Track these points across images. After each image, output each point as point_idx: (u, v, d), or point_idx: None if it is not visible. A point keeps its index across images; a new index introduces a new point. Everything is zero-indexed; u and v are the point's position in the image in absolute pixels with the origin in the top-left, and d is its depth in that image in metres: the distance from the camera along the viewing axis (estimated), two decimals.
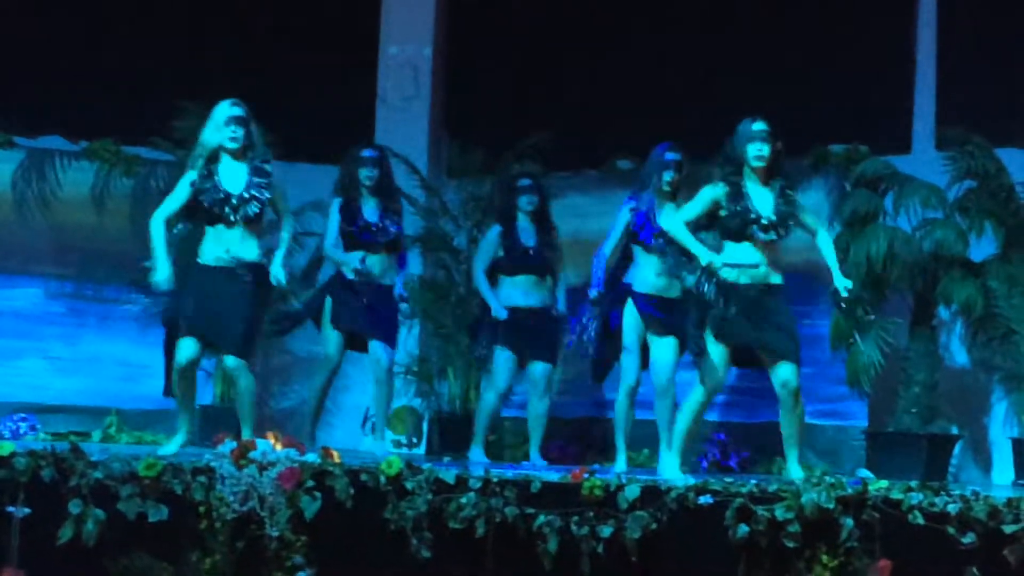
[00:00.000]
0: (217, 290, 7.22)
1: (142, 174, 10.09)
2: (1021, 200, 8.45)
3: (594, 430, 9.29)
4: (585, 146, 9.97)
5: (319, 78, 10.07)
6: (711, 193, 6.95)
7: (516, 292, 8.41)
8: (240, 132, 7.27)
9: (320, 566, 6.27)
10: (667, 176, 7.61)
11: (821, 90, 9.20)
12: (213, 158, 7.31)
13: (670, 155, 7.65)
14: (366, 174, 8.19)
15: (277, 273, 7.27)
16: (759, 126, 6.92)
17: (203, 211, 7.28)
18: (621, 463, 7.69)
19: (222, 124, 7.28)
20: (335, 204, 8.24)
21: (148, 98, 9.89)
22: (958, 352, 8.80)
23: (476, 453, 8.50)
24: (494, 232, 8.51)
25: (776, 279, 6.93)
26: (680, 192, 7.55)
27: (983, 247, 8.49)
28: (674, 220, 6.96)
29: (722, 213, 6.89)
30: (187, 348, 7.19)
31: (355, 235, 8.16)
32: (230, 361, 7.25)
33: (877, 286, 8.45)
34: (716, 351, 6.86)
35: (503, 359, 8.40)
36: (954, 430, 8.59)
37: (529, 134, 9.82)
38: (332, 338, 8.22)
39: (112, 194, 10.09)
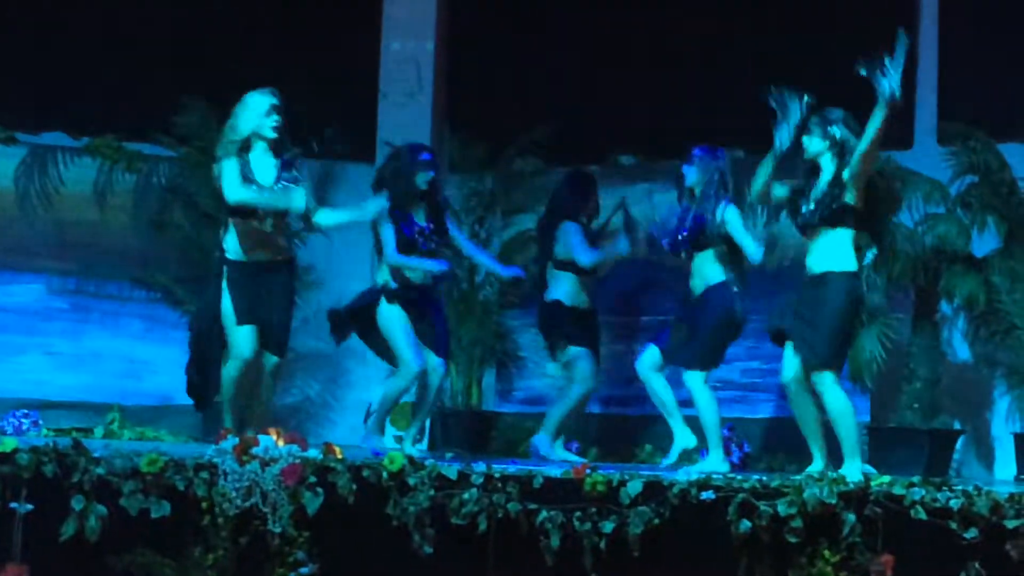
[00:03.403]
0: (259, 287, 7.22)
1: (144, 170, 10.11)
2: (1023, 195, 8.45)
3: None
4: (587, 141, 9.96)
5: (321, 74, 10.07)
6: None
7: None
8: (281, 122, 7.23)
9: (322, 562, 6.27)
10: (684, 169, 7.89)
11: (822, 85, 9.18)
12: (245, 148, 7.24)
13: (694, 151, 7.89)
14: (424, 178, 7.94)
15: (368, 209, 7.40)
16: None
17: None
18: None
19: (263, 112, 7.21)
20: (382, 201, 7.81)
21: (150, 94, 9.89)
22: (960, 347, 8.80)
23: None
24: None
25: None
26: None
27: (985, 242, 8.49)
28: None
29: None
30: (248, 337, 7.22)
31: (410, 240, 7.89)
32: (271, 359, 7.33)
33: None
34: None
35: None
36: (956, 425, 8.60)
37: (531, 129, 9.83)
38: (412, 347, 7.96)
39: (114, 190, 10.10)
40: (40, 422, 9.42)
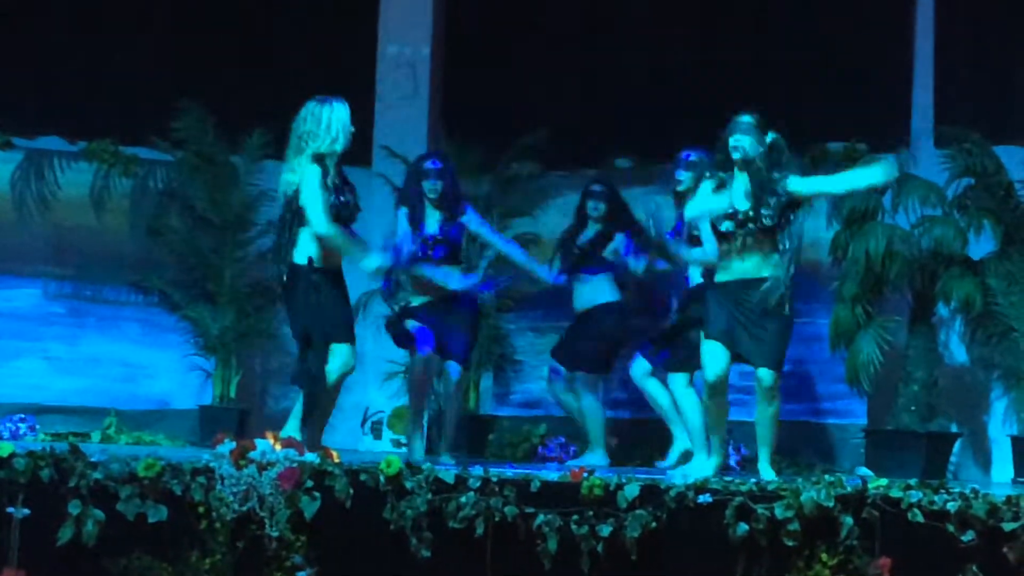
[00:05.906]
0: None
1: (141, 174, 10.12)
2: (1019, 197, 8.46)
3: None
4: (583, 145, 9.97)
5: (317, 77, 10.05)
6: (703, 188, 6.95)
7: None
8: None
9: (319, 566, 6.26)
10: (678, 175, 7.93)
11: (819, 88, 9.20)
12: (319, 159, 6.88)
13: (682, 154, 7.91)
14: (430, 186, 7.86)
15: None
16: (741, 118, 6.84)
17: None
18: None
19: (350, 125, 6.96)
20: (402, 215, 7.87)
21: (146, 98, 9.90)
22: (957, 350, 8.80)
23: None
24: None
25: (758, 273, 6.78)
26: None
27: (982, 245, 8.50)
28: (687, 214, 7.05)
29: None
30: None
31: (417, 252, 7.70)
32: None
33: (876, 284, 8.45)
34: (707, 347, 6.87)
35: None
36: (953, 428, 8.60)
37: (527, 133, 9.82)
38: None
39: (111, 194, 10.10)
40: (37, 426, 9.43)
